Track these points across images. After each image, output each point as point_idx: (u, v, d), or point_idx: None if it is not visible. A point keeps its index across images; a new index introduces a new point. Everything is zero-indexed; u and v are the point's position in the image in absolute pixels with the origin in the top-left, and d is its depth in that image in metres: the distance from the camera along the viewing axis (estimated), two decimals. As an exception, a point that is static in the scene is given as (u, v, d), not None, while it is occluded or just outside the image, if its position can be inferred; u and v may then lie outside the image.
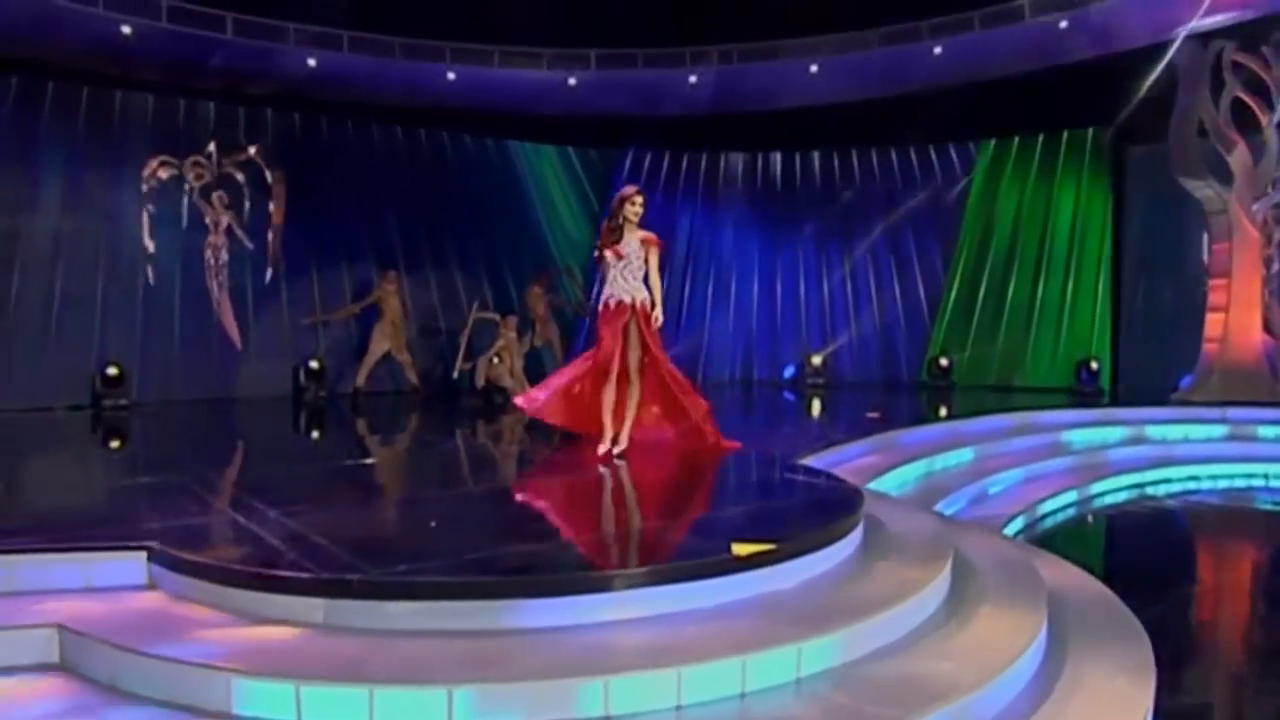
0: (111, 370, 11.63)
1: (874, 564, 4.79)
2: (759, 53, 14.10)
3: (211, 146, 12.56)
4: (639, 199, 6.66)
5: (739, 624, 3.84)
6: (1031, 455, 10.22)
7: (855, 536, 5.06)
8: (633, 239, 6.69)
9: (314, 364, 12.96)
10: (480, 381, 12.72)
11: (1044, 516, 8.76)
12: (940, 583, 4.63)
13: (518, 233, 15.24)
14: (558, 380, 7.17)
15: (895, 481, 8.25)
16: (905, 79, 13.96)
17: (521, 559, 4.35)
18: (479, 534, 4.93)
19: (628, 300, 6.70)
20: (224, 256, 12.71)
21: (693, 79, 14.46)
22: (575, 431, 7.30)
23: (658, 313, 6.78)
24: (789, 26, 13.73)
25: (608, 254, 6.72)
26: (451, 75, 13.71)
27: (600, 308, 6.85)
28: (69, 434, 10.00)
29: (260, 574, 4.04)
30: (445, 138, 15.03)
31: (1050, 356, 14.58)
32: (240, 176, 12.64)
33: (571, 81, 14.30)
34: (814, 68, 14.14)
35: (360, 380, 13.02)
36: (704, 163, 16.70)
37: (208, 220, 12.64)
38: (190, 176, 12.46)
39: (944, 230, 15.59)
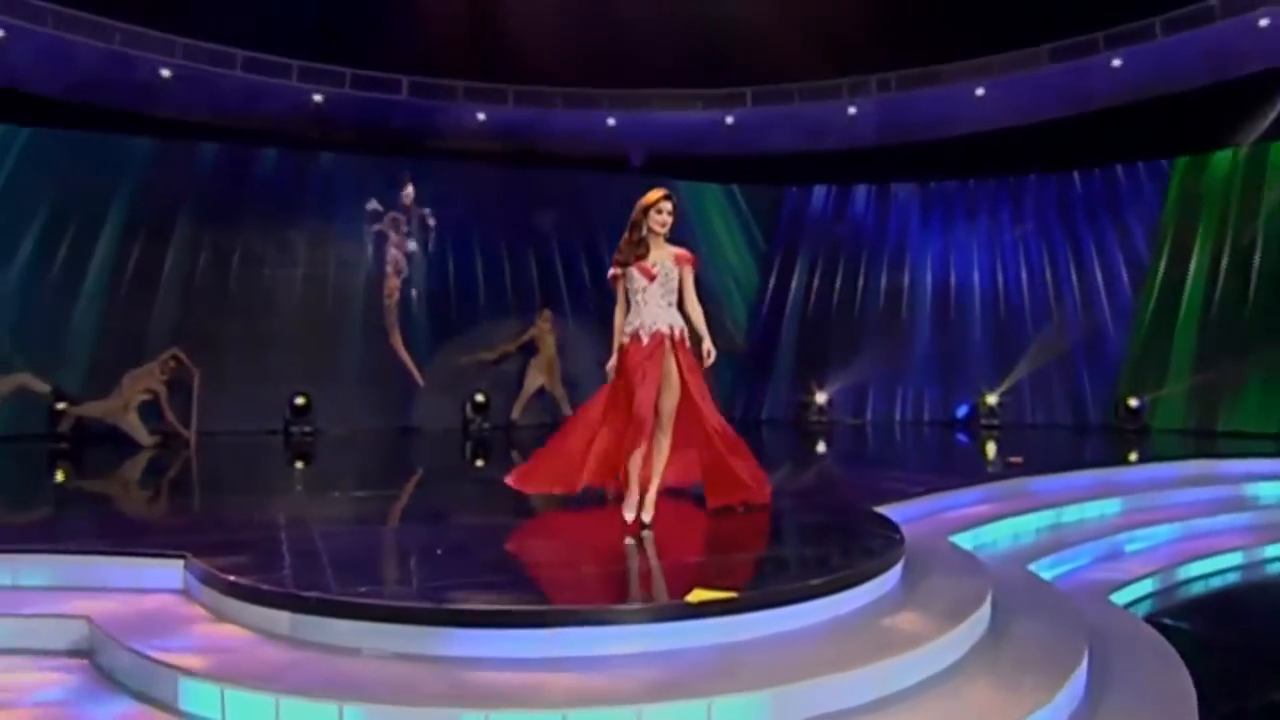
0: (299, 400, 13.07)
1: (869, 622, 4.43)
2: (919, 79, 13.76)
3: (410, 189, 13.82)
4: (667, 206, 5.43)
5: (642, 672, 3.76)
6: (1199, 509, 9.13)
7: (851, 595, 4.62)
8: (663, 255, 5.48)
9: (479, 398, 13.89)
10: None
11: (1187, 582, 7.75)
12: (912, 657, 4.11)
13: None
14: (556, 442, 6.02)
15: (1006, 532, 7.66)
16: (1083, 96, 13.13)
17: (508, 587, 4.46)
18: (476, 563, 5.05)
19: (665, 330, 5.46)
20: (398, 296, 13.97)
21: (852, 110, 14.31)
22: (568, 491, 5.99)
23: (709, 347, 5.58)
24: (948, 49, 13.30)
25: (635, 272, 5.46)
26: (611, 121, 14.37)
27: (628, 341, 5.50)
28: (241, 456, 11.33)
29: (235, 583, 4.50)
30: (606, 180, 15.67)
31: (1259, 398, 13.05)
32: (429, 220, 13.90)
33: (729, 120, 14.57)
34: (980, 90, 13.61)
35: (515, 414, 13.80)
36: (872, 195, 16.34)
37: (389, 263, 13.96)
38: (387, 222, 13.85)
39: (1133, 257, 14.40)
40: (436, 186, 14.23)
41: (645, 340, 5.45)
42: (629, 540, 5.29)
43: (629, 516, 5.53)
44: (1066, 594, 5.80)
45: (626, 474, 5.55)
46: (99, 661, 4.32)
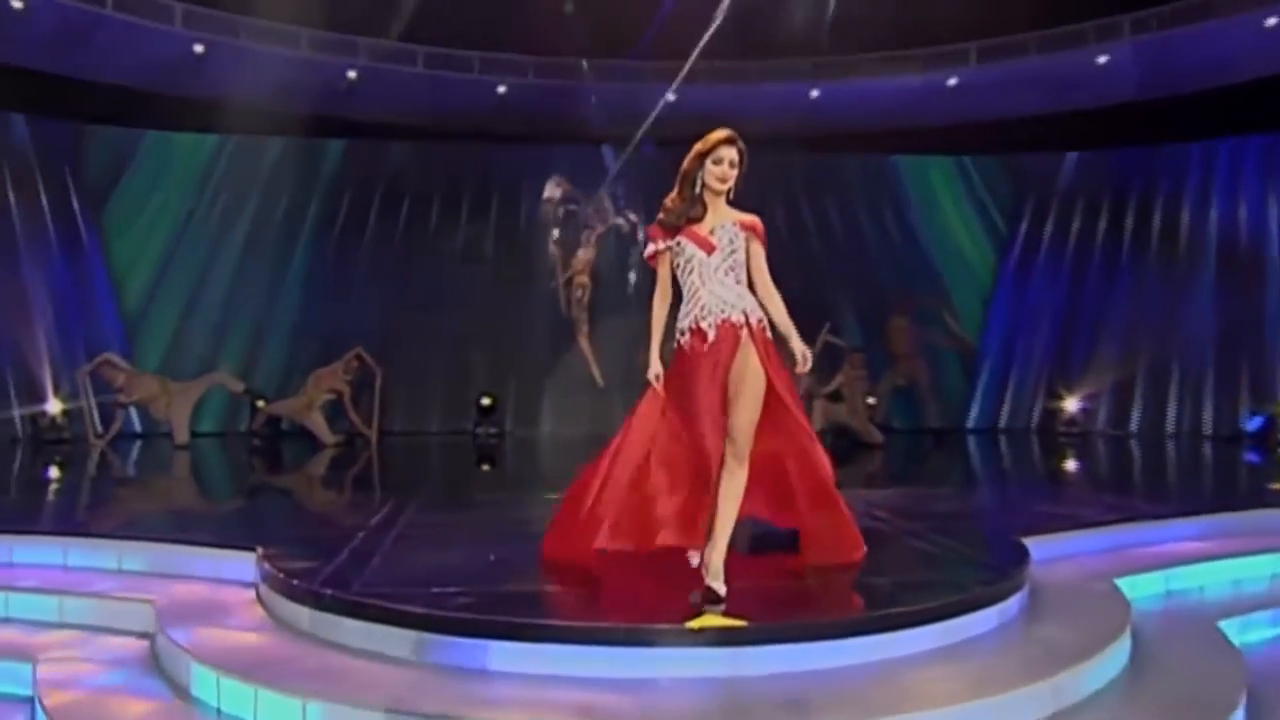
0: (485, 401, 13.20)
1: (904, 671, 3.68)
2: (1186, 14, 11.89)
3: (556, 188, 13.70)
4: (729, 153, 4.12)
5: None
6: None
7: (900, 637, 3.87)
8: (722, 220, 4.21)
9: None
10: (818, 424, 12.16)
11: None
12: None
13: (901, 257, 14.42)
14: (583, 493, 4.66)
15: (1224, 576, 5.96)
16: None
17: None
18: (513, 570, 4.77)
19: (738, 319, 4.14)
20: (588, 296, 13.80)
21: (1102, 59, 12.62)
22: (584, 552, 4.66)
23: (803, 348, 4.23)
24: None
25: (687, 242, 4.20)
26: (815, 93, 13.53)
27: (684, 339, 4.21)
28: (419, 457, 11.54)
29: (278, 579, 4.49)
30: (810, 158, 14.82)
31: None
32: (629, 216, 13.76)
33: (952, 83, 13.30)
34: (1271, 20, 11.56)
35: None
36: (1134, 160, 14.31)
37: (578, 260, 13.84)
38: (590, 215, 13.82)
39: None
40: (630, 175, 14.05)
41: (711, 333, 4.10)
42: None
43: (694, 560, 4.39)
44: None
45: (711, 528, 4.16)
46: (154, 645, 4.45)
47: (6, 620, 5.06)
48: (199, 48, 11.90)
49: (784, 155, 14.64)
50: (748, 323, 4.15)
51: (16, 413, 12.04)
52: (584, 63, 13.04)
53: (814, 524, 4.60)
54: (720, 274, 4.18)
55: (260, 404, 12.36)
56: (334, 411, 12.09)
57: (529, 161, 13.98)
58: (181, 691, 3.90)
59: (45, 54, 11.53)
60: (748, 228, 4.24)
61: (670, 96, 13.62)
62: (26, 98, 12.02)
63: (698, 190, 4.18)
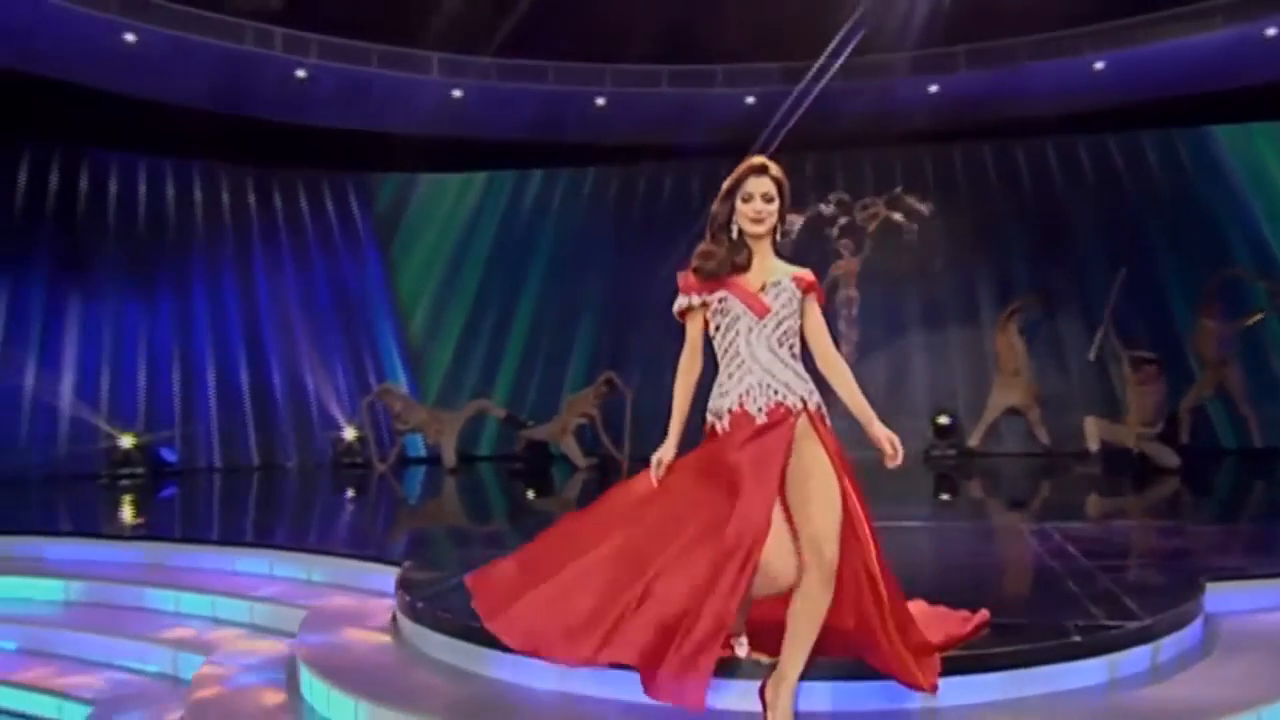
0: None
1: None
2: None
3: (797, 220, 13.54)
4: (762, 184, 3.44)
5: None
6: None
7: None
8: (776, 276, 3.49)
9: (943, 419, 12.83)
10: (1092, 445, 11.03)
11: None
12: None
13: (1214, 243, 12.79)
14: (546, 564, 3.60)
15: None
16: None
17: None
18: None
19: (794, 403, 3.38)
20: (854, 310, 13.56)
21: None
22: (574, 662, 3.41)
23: (891, 435, 3.52)
24: None
25: (734, 299, 3.45)
26: (1099, 64, 12.42)
27: (721, 421, 3.41)
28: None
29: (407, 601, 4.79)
30: (1097, 138, 13.59)
31: None
32: (900, 218, 13.50)
33: (1271, 32, 11.68)
34: None
35: (974, 440, 12.50)
36: None
37: (838, 271, 13.65)
38: (860, 218, 13.70)
39: None
40: (898, 175, 13.72)
41: (760, 419, 3.33)
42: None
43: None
44: None
45: (780, 662, 3.32)
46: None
47: (213, 620, 5.91)
48: (457, 93, 13.07)
49: (1065, 138, 13.66)
50: (805, 408, 3.37)
51: (321, 440, 13.79)
52: (835, 63, 12.83)
53: (873, 640, 3.41)
54: (773, 343, 3.41)
55: (523, 427, 13.26)
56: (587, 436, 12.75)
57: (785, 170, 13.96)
58: (296, 694, 4.33)
59: (331, 113, 13.21)
60: (806, 287, 3.49)
61: (932, 88, 13.14)
62: (317, 152, 13.78)
63: (733, 233, 3.48)
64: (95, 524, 8.94)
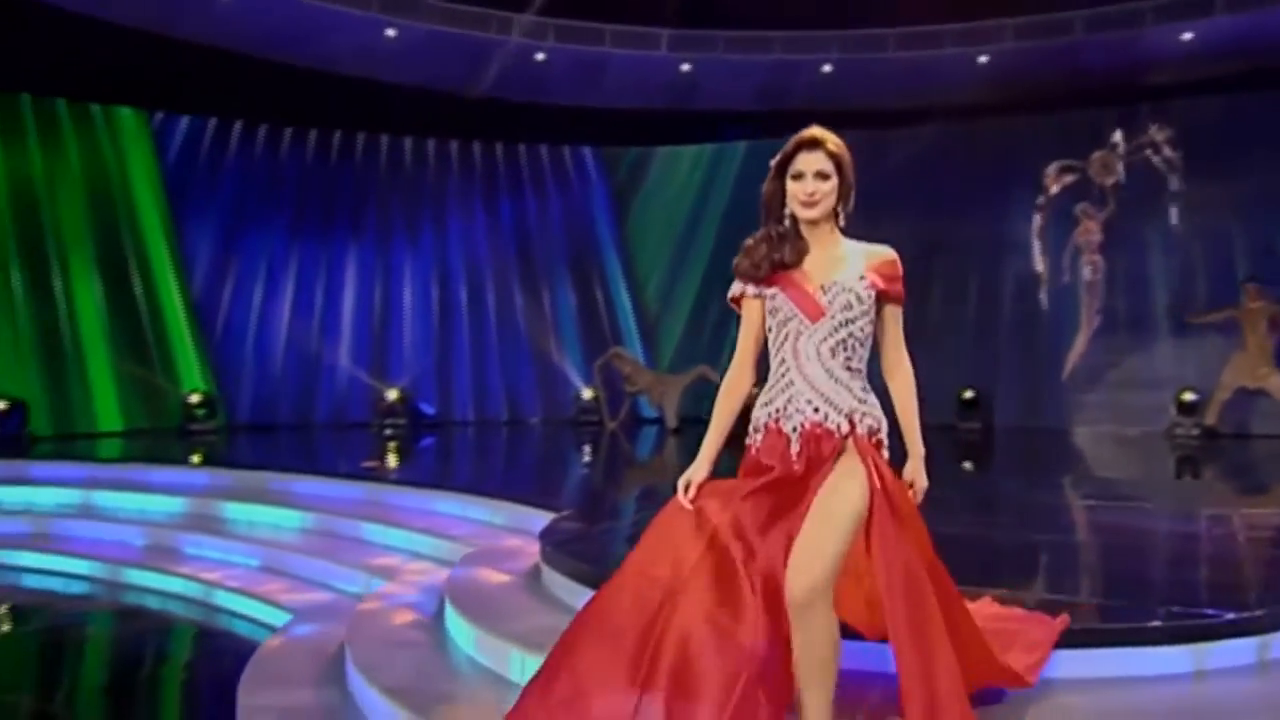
0: (968, 394, 12.99)
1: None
2: None
3: (1117, 135, 12.90)
4: (814, 160, 2.96)
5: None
6: None
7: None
8: (839, 263, 3.01)
9: (1188, 395, 11.99)
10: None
11: None
12: None
13: None
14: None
15: None
16: None
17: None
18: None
19: (837, 425, 2.90)
20: (1099, 276, 12.90)
21: None
22: None
23: (918, 478, 3.09)
24: None
25: (783, 295, 2.99)
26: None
27: (757, 435, 3.01)
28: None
29: (551, 538, 5.30)
30: None
31: None
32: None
33: None
34: None
35: (1209, 418, 11.60)
36: None
37: (1080, 235, 13.01)
38: (1096, 172, 13.06)
39: None
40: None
41: (795, 443, 2.89)
42: None
43: None
44: None
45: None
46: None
47: (409, 552, 6.79)
48: (686, 67, 13.52)
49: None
50: (853, 430, 2.88)
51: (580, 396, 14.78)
52: (1076, 18, 12.15)
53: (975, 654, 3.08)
54: (825, 352, 2.90)
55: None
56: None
57: (1018, 133, 13.42)
58: (440, 619, 4.93)
59: (569, 91, 14.04)
60: (886, 279, 2.98)
61: (1186, 36, 12.17)
62: (559, 129, 14.70)
63: (786, 218, 3.01)
64: (340, 465, 10.17)
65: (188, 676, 5.57)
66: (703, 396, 14.28)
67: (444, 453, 11.95)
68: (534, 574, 5.20)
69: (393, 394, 14.03)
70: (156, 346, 13.27)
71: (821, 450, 2.86)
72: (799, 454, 2.88)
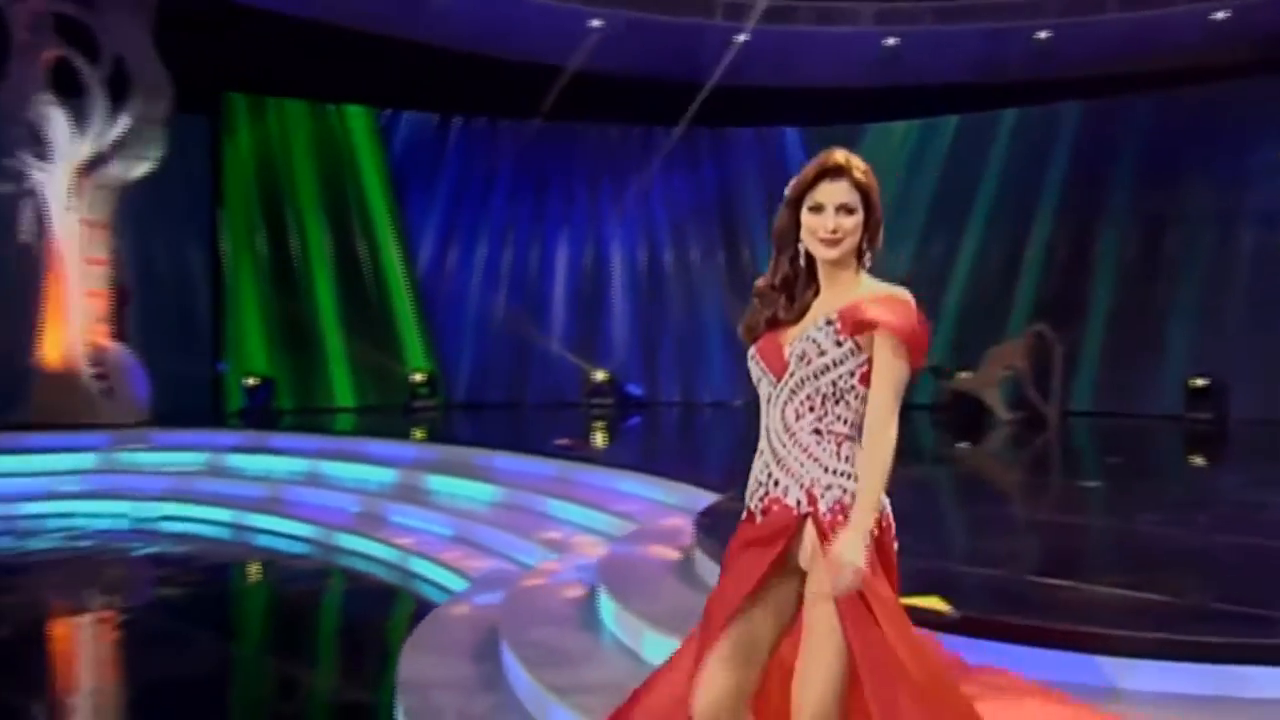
0: (1199, 382, 11.99)
1: None
2: None
3: None
4: (836, 191, 2.45)
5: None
6: None
7: None
8: (823, 311, 2.47)
9: None
10: None
11: None
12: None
13: None
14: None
15: None
16: None
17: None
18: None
19: (797, 501, 2.41)
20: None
21: None
22: None
23: (843, 546, 2.29)
24: None
25: (756, 354, 2.53)
26: None
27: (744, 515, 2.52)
28: (1102, 440, 11.12)
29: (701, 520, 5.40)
30: None
31: None
32: None
33: None
34: None
35: None
36: None
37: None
38: None
39: None
40: None
41: (757, 516, 2.48)
42: None
43: None
44: None
45: None
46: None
47: (584, 527, 7.05)
48: (890, 41, 13.12)
49: None
50: (814, 511, 2.38)
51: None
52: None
53: None
54: (789, 414, 2.44)
55: (949, 378, 13.14)
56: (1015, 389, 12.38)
57: (1258, 96, 12.20)
58: (594, 599, 5.02)
59: (771, 72, 13.94)
60: (862, 324, 2.38)
61: None
62: (760, 110, 14.61)
63: (799, 258, 2.53)
64: (538, 443, 10.45)
65: (370, 634, 6.03)
66: (912, 381, 13.97)
67: (641, 433, 12.25)
68: (688, 555, 5.28)
69: (600, 375, 14.45)
70: (385, 329, 14.28)
71: (787, 527, 2.39)
72: (767, 524, 2.43)
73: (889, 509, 2.42)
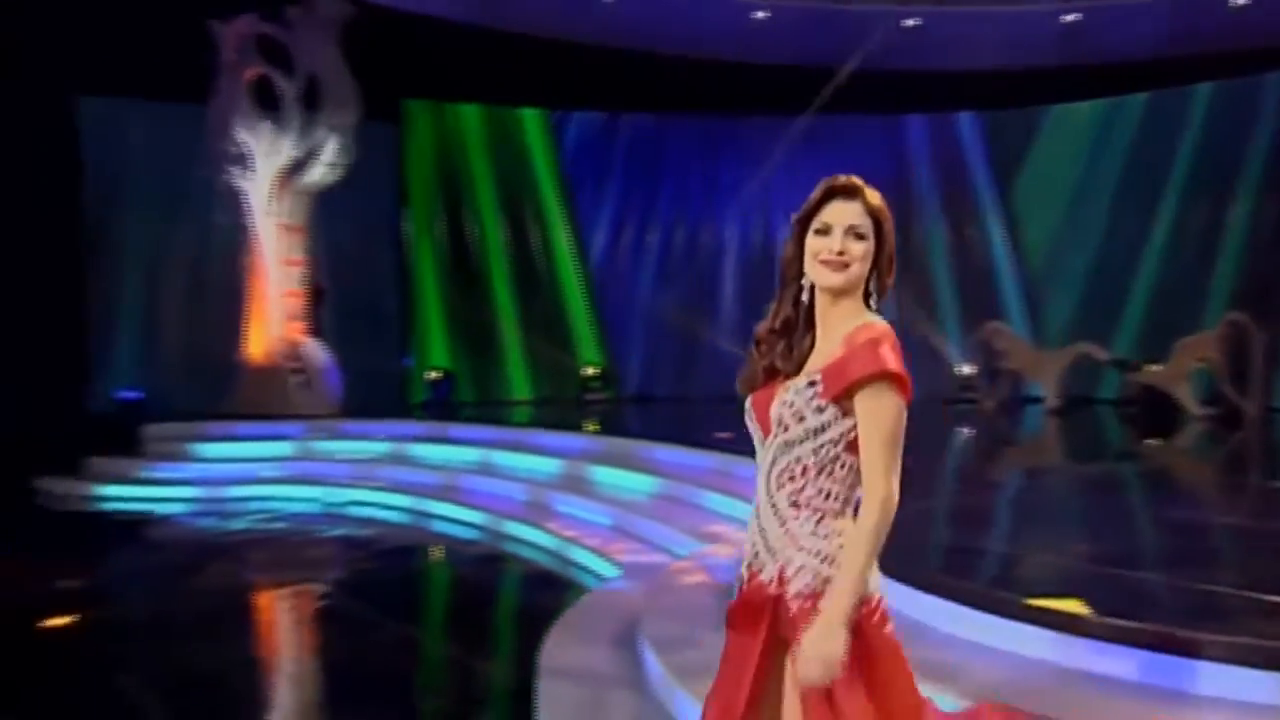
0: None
1: None
2: None
3: None
4: (845, 212, 2.19)
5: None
6: None
7: None
8: (816, 363, 2.20)
9: None
10: None
11: None
12: None
13: None
14: None
15: None
16: None
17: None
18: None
19: (771, 578, 2.17)
20: None
21: None
22: None
23: (813, 640, 2.04)
24: None
25: (750, 408, 2.29)
26: None
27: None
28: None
29: None
30: None
31: None
32: None
33: None
34: None
35: None
36: None
37: None
38: None
39: None
40: None
41: (746, 594, 2.25)
42: None
43: None
44: None
45: None
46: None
47: (721, 516, 7.15)
48: (1071, 17, 12.54)
49: None
50: (784, 594, 2.14)
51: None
52: None
53: None
54: (772, 481, 2.20)
55: (1137, 371, 12.43)
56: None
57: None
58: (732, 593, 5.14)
59: (952, 56, 13.53)
60: (849, 387, 2.10)
61: None
62: (938, 93, 14.19)
63: (803, 298, 2.26)
64: (699, 436, 10.47)
65: (524, 618, 6.29)
66: (1087, 375, 13.31)
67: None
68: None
69: (772, 367, 14.36)
70: (559, 325, 14.72)
71: (752, 606, 2.19)
72: (747, 599, 2.21)
73: (879, 589, 2.11)
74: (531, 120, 14.71)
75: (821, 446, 2.13)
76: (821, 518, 2.13)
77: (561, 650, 4.68)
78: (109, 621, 6.22)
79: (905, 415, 2.09)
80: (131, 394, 12.81)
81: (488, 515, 8.66)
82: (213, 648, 5.57)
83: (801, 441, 2.14)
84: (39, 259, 11.74)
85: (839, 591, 2.03)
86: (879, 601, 2.11)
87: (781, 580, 2.13)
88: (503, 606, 6.84)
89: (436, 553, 8.30)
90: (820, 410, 2.12)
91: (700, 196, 15.12)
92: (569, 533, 7.68)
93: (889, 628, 2.12)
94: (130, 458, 10.67)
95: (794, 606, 2.10)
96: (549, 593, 6.50)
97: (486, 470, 10.04)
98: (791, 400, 2.15)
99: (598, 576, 6.75)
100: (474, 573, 7.51)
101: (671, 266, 15.11)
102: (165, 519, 9.40)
